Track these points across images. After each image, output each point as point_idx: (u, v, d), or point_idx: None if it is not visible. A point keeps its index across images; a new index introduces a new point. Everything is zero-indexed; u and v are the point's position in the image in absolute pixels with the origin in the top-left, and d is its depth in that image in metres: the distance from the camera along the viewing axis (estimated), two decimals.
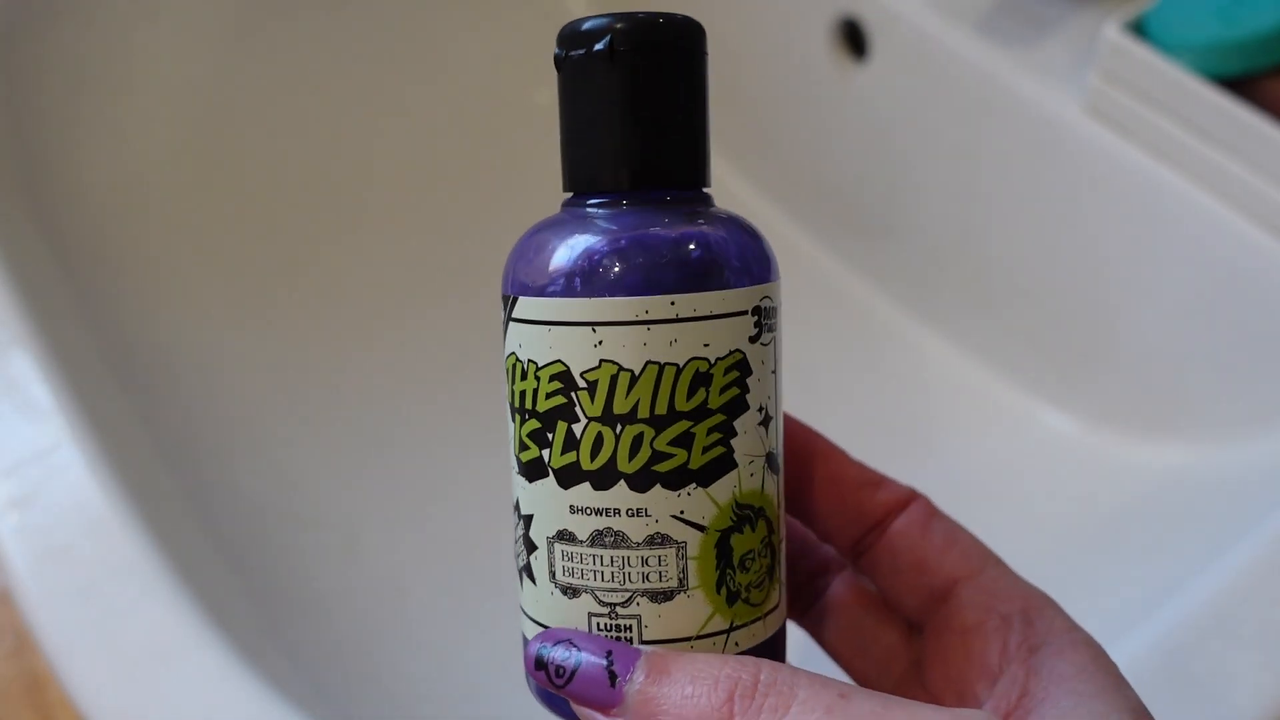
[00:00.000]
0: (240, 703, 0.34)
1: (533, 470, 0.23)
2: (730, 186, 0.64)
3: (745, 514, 0.23)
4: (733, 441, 0.22)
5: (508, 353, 0.23)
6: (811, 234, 0.62)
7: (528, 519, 0.23)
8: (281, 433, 0.53)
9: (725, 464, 0.22)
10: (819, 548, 0.28)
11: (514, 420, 0.23)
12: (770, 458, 0.23)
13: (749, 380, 0.22)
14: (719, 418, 0.22)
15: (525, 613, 0.24)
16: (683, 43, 0.23)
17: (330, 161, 0.61)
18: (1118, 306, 0.50)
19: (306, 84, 0.61)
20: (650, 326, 0.21)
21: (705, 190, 0.24)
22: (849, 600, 0.28)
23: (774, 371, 0.23)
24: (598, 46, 0.22)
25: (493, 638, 0.40)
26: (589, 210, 0.23)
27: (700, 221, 0.23)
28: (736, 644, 0.23)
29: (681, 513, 0.22)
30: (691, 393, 0.22)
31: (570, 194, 0.23)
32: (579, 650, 0.21)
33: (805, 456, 0.26)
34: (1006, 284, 0.54)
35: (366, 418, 0.55)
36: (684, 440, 0.22)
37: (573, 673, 0.21)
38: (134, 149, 0.56)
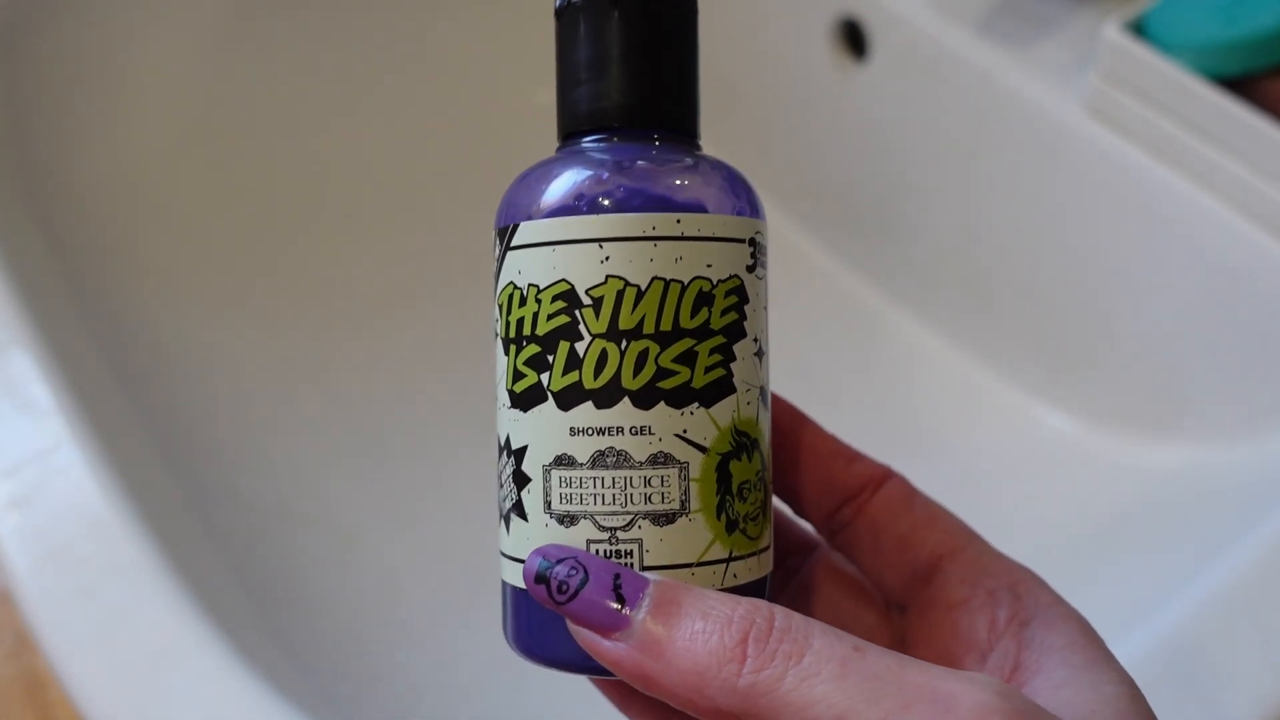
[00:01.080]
0: (240, 703, 0.34)
1: (528, 398, 0.22)
2: None
3: (743, 441, 0.23)
4: (732, 366, 0.23)
5: (503, 284, 0.23)
6: (811, 234, 0.62)
7: (519, 452, 0.23)
8: (281, 432, 0.53)
9: (725, 387, 0.22)
10: (794, 525, 0.28)
11: (507, 353, 0.23)
12: (763, 392, 0.24)
13: (746, 308, 0.23)
14: (719, 339, 0.22)
15: (510, 556, 0.23)
16: None
17: (330, 160, 0.61)
18: (1118, 306, 0.50)
19: (305, 83, 0.61)
20: (657, 243, 0.22)
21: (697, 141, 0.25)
22: (825, 580, 0.27)
23: (765, 309, 0.24)
24: None
25: (492, 637, 0.40)
26: (585, 146, 0.24)
27: (697, 154, 0.24)
28: (735, 576, 0.23)
29: (684, 432, 0.22)
30: (695, 311, 0.22)
31: (565, 139, 0.24)
32: (585, 569, 0.21)
33: (781, 428, 0.26)
34: (1006, 284, 0.54)
35: (366, 417, 0.55)
36: (687, 358, 0.22)
37: (576, 590, 0.21)
38: (133, 148, 0.56)
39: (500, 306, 0.23)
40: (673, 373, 0.22)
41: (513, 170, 0.24)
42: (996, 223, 0.53)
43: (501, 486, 0.24)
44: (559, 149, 0.24)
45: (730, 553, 0.23)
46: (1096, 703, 0.20)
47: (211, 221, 0.58)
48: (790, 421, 0.26)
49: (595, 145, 0.23)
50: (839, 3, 0.54)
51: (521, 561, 0.23)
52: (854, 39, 0.55)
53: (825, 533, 0.27)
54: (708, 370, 0.22)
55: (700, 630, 0.19)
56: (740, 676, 0.19)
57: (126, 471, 0.39)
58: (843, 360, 0.58)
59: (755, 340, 0.23)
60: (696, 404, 0.22)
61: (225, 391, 0.53)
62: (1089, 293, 0.51)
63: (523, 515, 0.23)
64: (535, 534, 0.22)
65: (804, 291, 0.61)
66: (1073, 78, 0.48)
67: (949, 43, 0.50)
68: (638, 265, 0.22)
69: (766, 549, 0.24)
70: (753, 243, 0.23)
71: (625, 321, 0.22)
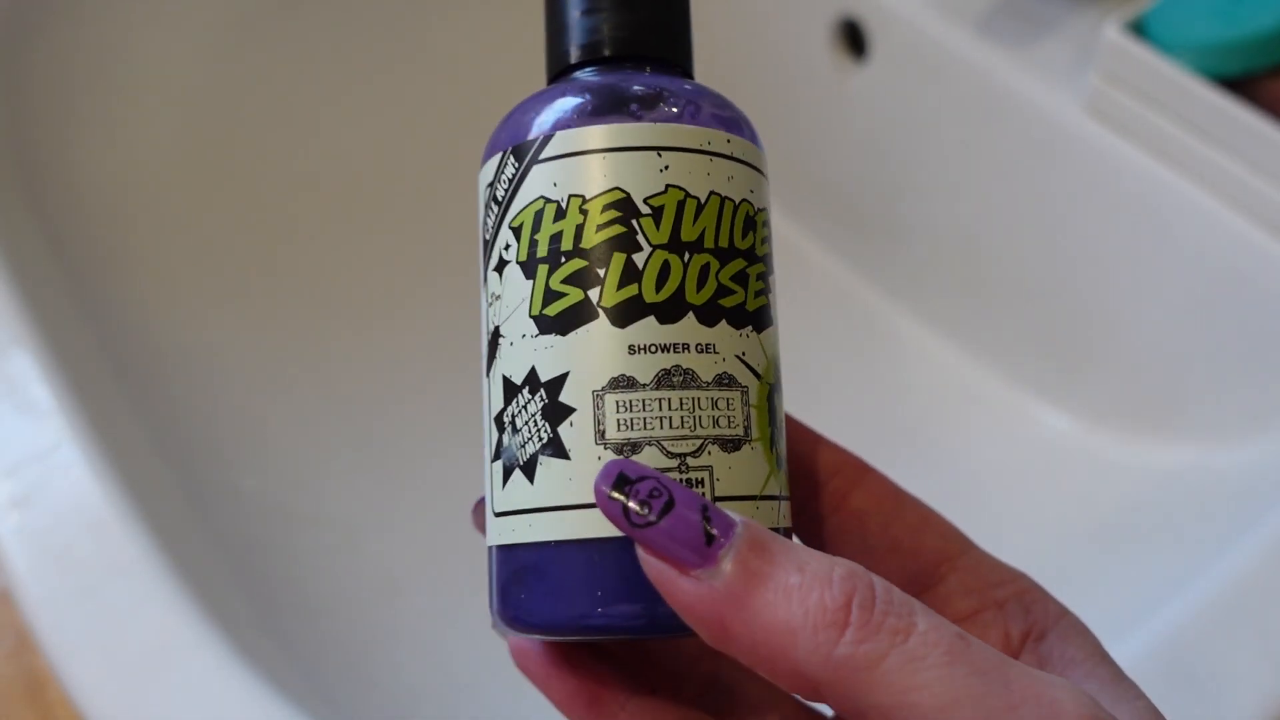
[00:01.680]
0: (240, 703, 0.34)
1: (569, 319, 0.20)
2: None
3: (778, 378, 0.22)
4: (770, 296, 0.22)
5: (527, 202, 0.21)
6: (811, 234, 0.62)
7: (554, 383, 0.20)
8: (281, 432, 0.53)
9: (768, 316, 0.22)
10: None
11: (532, 275, 0.21)
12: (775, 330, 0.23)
13: (771, 244, 0.22)
14: (761, 266, 0.22)
15: (528, 509, 0.21)
16: None
17: (330, 160, 0.61)
18: (1118, 306, 0.50)
19: (305, 82, 0.61)
20: (713, 158, 0.21)
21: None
22: None
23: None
24: None
25: (492, 636, 0.40)
26: (580, 75, 0.23)
27: (699, 84, 0.23)
28: (785, 517, 0.21)
29: (744, 354, 0.21)
30: (745, 232, 0.21)
31: (557, 75, 0.24)
32: (669, 493, 0.18)
33: None
34: (1006, 284, 0.54)
35: (367, 417, 0.55)
36: (741, 279, 0.21)
37: (660, 514, 0.18)
38: (134, 148, 0.56)
39: (517, 228, 0.21)
40: (731, 291, 0.21)
41: None
42: (996, 222, 0.53)
43: (517, 432, 0.21)
44: (550, 82, 0.24)
45: (781, 490, 0.21)
46: (1133, 718, 0.20)
47: (212, 221, 0.58)
48: None
49: (596, 75, 0.23)
50: (839, 3, 0.54)
51: (551, 511, 0.20)
52: (854, 39, 0.55)
53: (799, 530, 0.25)
54: (756, 295, 0.21)
55: (797, 585, 0.17)
56: (838, 644, 0.17)
57: (126, 471, 0.39)
58: (842, 360, 0.58)
59: (772, 273, 0.23)
60: (750, 328, 0.21)
61: (226, 391, 0.53)
62: (1089, 292, 0.51)
63: (561, 453, 0.20)
64: (584, 470, 0.20)
65: (804, 291, 0.61)
66: (1073, 78, 0.48)
67: (949, 43, 0.50)
68: (697, 177, 0.21)
69: (790, 498, 0.23)
70: (761, 171, 0.23)
71: (687, 233, 0.21)
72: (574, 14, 0.23)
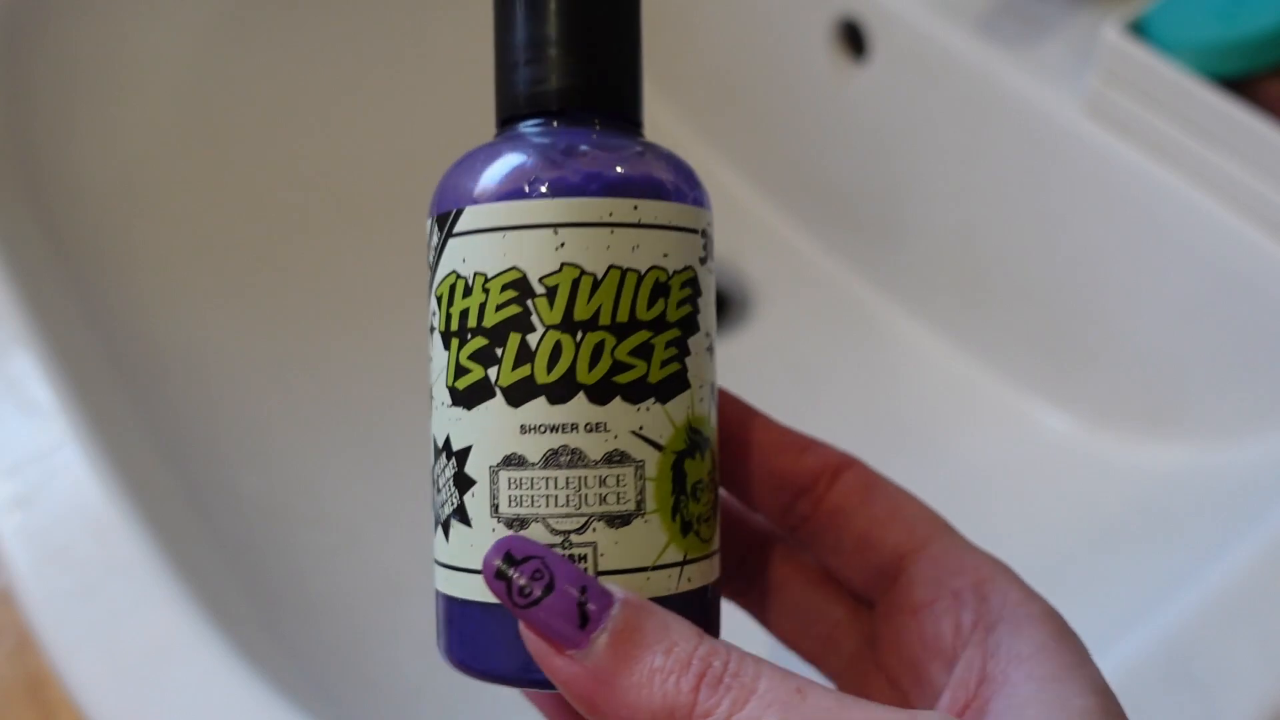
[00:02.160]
0: (240, 702, 0.34)
1: (473, 395, 0.21)
2: (729, 186, 0.64)
3: (696, 439, 0.22)
4: (686, 360, 0.22)
5: (444, 274, 0.22)
6: (811, 234, 0.62)
7: (462, 454, 0.21)
8: (282, 432, 0.53)
9: (680, 382, 0.22)
10: (750, 518, 0.27)
11: (448, 347, 0.22)
12: (712, 388, 0.23)
13: (699, 301, 0.22)
14: (675, 332, 0.21)
15: (448, 565, 0.22)
16: None
17: (330, 159, 0.61)
18: (1117, 306, 0.50)
19: (305, 81, 0.61)
20: (614, 229, 0.21)
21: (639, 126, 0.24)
22: (790, 577, 0.26)
23: (712, 305, 0.23)
24: None
25: None
26: (525, 131, 0.22)
27: (643, 141, 0.23)
28: (689, 580, 0.22)
29: (641, 429, 0.21)
30: (652, 302, 0.21)
31: (503, 124, 0.23)
32: (551, 574, 0.20)
33: (729, 422, 0.25)
34: (1006, 284, 0.54)
35: (368, 416, 0.55)
36: (644, 351, 0.21)
37: (539, 598, 0.19)
38: (134, 147, 0.56)
39: (439, 298, 0.22)
40: (629, 366, 0.21)
41: None
42: (996, 223, 0.53)
43: (439, 491, 0.22)
44: (497, 135, 0.23)
45: (685, 555, 0.22)
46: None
47: (213, 221, 0.58)
48: (738, 416, 0.25)
49: (537, 130, 0.22)
50: (839, 3, 0.54)
51: (462, 571, 0.21)
52: (854, 39, 0.55)
53: (784, 529, 0.26)
54: (664, 364, 0.21)
55: (659, 668, 0.19)
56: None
57: (127, 471, 0.39)
58: (841, 360, 0.58)
59: (707, 335, 0.22)
60: (653, 399, 0.21)
61: (226, 391, 0.53)
62: (1088, 293, 0.51)
63: (465, 520, 0.21)
64: (481, 540, 0.21)
65: (803, 291, 0.61)
66: (1072, 78, 0.48)
67: (948, 43, 0.50)
68: (594, 252, 0.21)
69: (717, 552, 0.23)
70: (704, 234, 0.22)
71: (580, 312, 0.21)
72: (520, 57, 0.23)
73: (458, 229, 0.21)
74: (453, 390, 0.22)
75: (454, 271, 0.21)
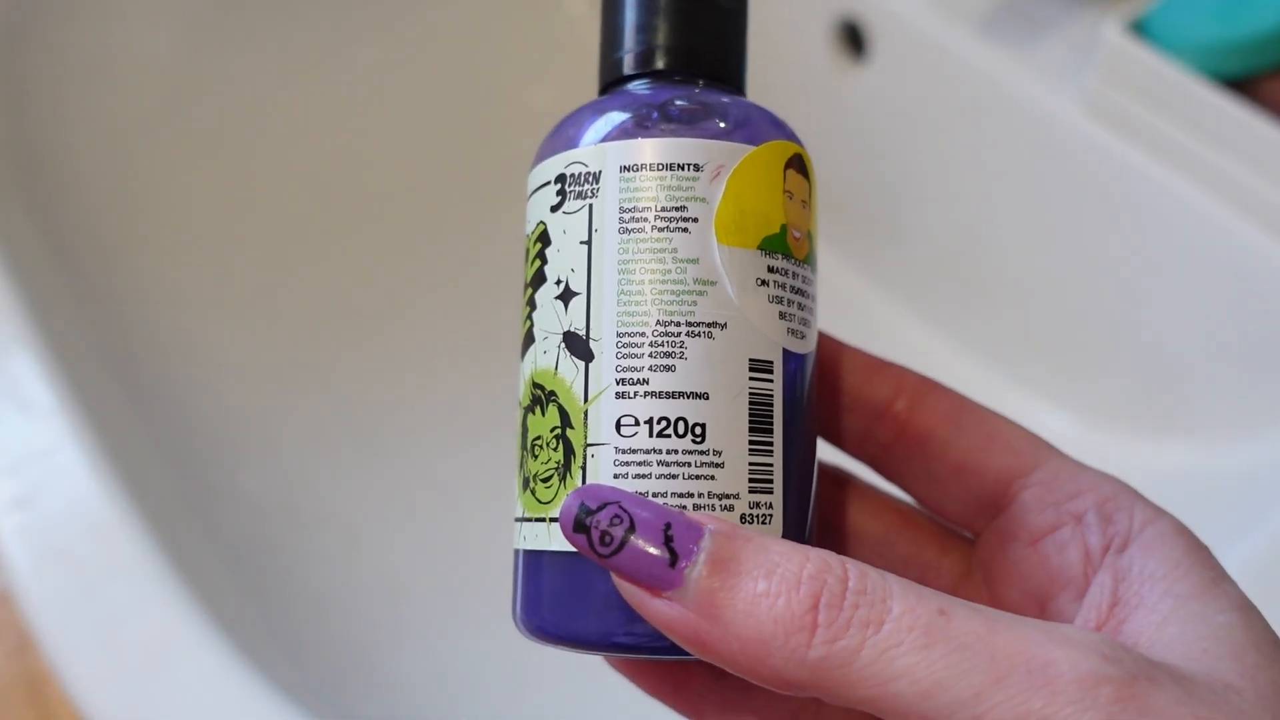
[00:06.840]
0: (240, 702, 0.34)
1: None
2: None
3: (537, 394, 0.22)
4: (533, 315, 0.22)
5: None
6: None
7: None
8: (282, 432, 0.53)
9: (529, 338, 0.22)
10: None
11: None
12: (570, 338, 0.21)
13: (548, 251, 0.22)
14: (528, 291, 0.23)
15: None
16: None
17: (331, 158, 0.61)
18: (1118, 306, 0.50)
19: (306, 82, 0.61)
20: (530, 195, 0.23)
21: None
22: (868, 522, 0.24)
23: (584, 242, 0.21)
24: None
25: (495, 637, 0.40)
26: (630, 88, 0.23)
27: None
28: (524, 539, 0.21)
29: (520, 386, 0.23)
30: (527, 264, 0.23)
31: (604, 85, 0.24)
32: (630, 515, 0.18)
33: (824, 361, 0.23)
34: (1006, 284, 0.54)
35: (367, 417, 0.55)
36: (523, 312, 0.23)
37: (622, 541, 0.18)
38: (134, 147, 0.56)
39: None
40: (522, 325, 0.23)
41: (513, 171, 0.25)
42: (996, 223, 0.53)
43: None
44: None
45: (523, 513, 0.22)
46: (1208, 639, 0.18)
47: (212, 219, 0.58)
48: (830, 353, 0.24)
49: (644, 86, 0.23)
50: (839, 3, 0.54)
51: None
52: (854, 39, 0.55)
53: (866, 460, 0.24)
54: (523, 322, 0.23)
55: (764, 592, 0.17)
56: (810, 648, 0.17)
57: (127, 471, 0.39)
58: None
59: (559, 282, 0.21)
60: (521, 357, 0.23)
61: (227, 391, 0.53)
62: (1088, 293, 0.51)
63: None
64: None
65: None
66: (1073, 78, 0.48)
67: (949, 43, 0.50)
68: (529, 221, 0.23)
69: (556, 520, 0.21)
70: (561, 178, 0.22)
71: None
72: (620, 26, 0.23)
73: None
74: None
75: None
